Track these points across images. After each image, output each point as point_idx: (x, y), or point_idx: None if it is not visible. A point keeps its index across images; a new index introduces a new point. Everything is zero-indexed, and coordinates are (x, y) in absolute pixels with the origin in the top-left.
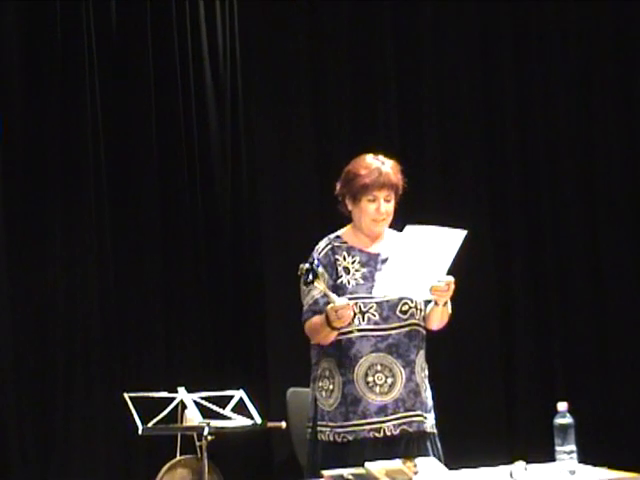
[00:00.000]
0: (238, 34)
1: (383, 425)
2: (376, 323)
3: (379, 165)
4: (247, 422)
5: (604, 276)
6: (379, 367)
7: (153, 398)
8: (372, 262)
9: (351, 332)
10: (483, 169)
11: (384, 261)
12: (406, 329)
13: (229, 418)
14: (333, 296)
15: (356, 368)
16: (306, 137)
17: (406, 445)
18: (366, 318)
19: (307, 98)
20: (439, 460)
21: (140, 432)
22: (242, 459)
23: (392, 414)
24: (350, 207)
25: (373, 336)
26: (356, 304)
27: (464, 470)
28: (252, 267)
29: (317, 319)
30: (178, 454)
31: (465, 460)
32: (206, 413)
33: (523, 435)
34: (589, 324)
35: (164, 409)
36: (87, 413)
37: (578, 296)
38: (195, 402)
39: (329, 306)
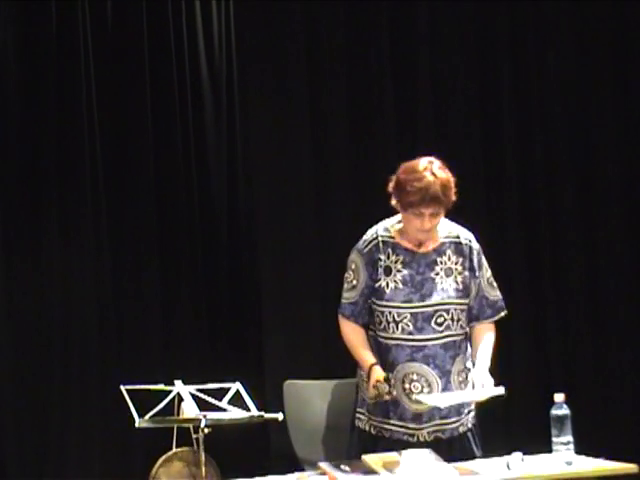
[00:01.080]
0: (234, 28)
1: (417, 432)
2: (410, 333)
3: (430, 181)
4: (244, 414)
5: (600, 269)
6: (415, 376)
7: (150, 391)
8: (415, 264)
9: (387, 338)
10: (480, 169)
11: (428, 265)
12: (442, 341)
13: (226, 410)
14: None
15: (394, 373)
16: (303, 132)
17: (437, 450)
18: (400, 327)
19: (304, 94)
20: (475, 451)
21: (137, 425)
22: (239, 451)
23: (426, 422)
24: (399, 209)
25: (408, 346)
26: (390, 313)
27: (461, 461)
28: (248, 259)
29: (358, 344)
30: (174, 447)
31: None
32: (203, 405)
33: (520, 426)
34: (586, 315)
35: (161, 402)
36: (83, 405)
37: (575, 288)
38: (192, 394)
39: (375, 378)
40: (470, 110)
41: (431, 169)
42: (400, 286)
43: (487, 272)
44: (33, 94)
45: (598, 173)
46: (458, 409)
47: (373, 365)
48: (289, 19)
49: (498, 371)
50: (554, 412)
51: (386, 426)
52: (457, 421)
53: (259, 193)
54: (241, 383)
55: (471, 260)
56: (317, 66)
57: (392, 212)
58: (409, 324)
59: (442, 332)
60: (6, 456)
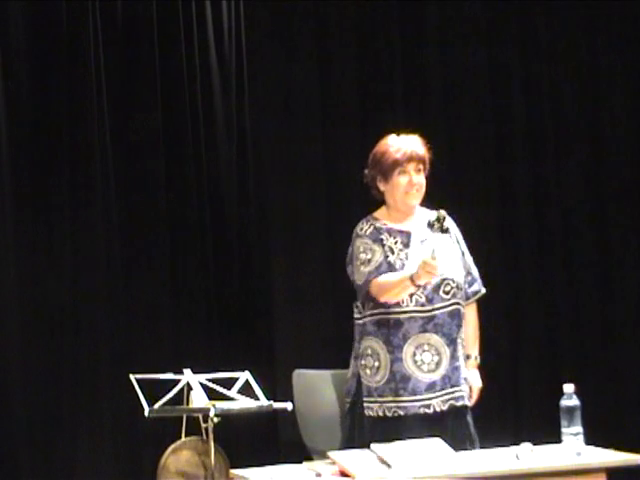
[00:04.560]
0: (243, 17)
1: (432, 402)
2: (422, 305)
3: (404, 140)
4: (253, 404)
5: (611, 258)
6: (426, 347)
7: (159, 380)
8: (412, 243)
9: (399, 313)
10: (491, 162)
11: (423, 241)
12: (449, 308)
13: (235, 400)
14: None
15: (405, 347)
16: (313, 127)
17: (453, 419)
18: (414, 300)
19: (314, 90)
20: (473, 433)
21: (146, 414)
22: (248, 441)
23: (440, 390)
24: (382, 187)
25: (420, 317)
26: None
27: (471, 452)
28: (258, 248)
29: (392, 276)
30: (183, 436)
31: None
32: (212, 395)
33: (529, 417)
34: (596, 306)
35: (170, 391)
36: (93, 395)
37: (585, 279)
38: (201, 384)
39: (423, 260)
40: (480, 104)
41: (400, 136)
42: (406, 262)
43: (466, 247)
44: (44, 87)
45: (609, 159)
46: (464, 377)
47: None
48: (299, 8)
49: (507, 362)
50: (564, 403)
51: (401, 404)
52: (464, 390)
53: (270, 186)
54: (250, 372)
55: (455, 235)
56: (327, 58)
57: None
58: (421, 295)
59: (449, 300)
60: (17, 441)
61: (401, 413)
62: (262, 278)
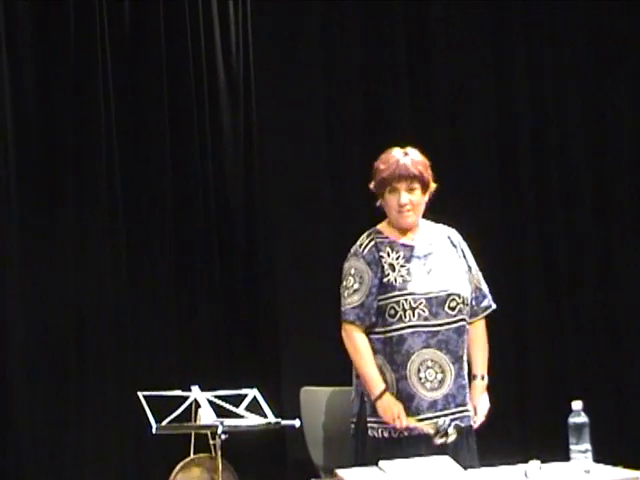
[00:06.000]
0: (251, 28)
1: (437, 420)
2: (426, 319)
3: (399, 157)
4: (261, 421)
5: (617, 274)
6: (430, 363)
7: (167, 397)
8: (415, 257)
9: (402, 328)
10: (495, 168)
11: (426, 256)
12: (455, 325)
13: (243, 417)
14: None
15: (409, 364)
16: (319, 132)
17: (455, 440)
18: (416, 314)
19: (320, 95)
20: (475, 456)
21: (154, 431)
22: (256, 458)
23: (442, 409)
24: (380, 202)
25: (424, 332)
26: (406, 300)
27: (479, 469)
28: (265, 266)
29: (369, 363)
30: (192, 453)
31: (480, 459)
32: (220, 412)
33: (537, 434)
34: (603, 322)
35: (178, 408)
36: (100, 412)
37: (592, 295)
38: (209, 401)
39: (396, 406)
40: (485, 110)
41: (403, 150)
42: (408, 278)
43: (474, 263)
44: (50, 97)
45: (615, 186)
46: (466, 397)
47: (386, 391)
48: (305, 18)
49: (515, 379)
50: (572, 420)
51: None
52: (469, 410)
53: (276, 195)
54: (258, 389)
55: (462, 250)
56: (333, 65)
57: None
58: (425, 310)
59: (455, 316)
60: (23, 457)
61: (405, 434)
62: (269, 295)
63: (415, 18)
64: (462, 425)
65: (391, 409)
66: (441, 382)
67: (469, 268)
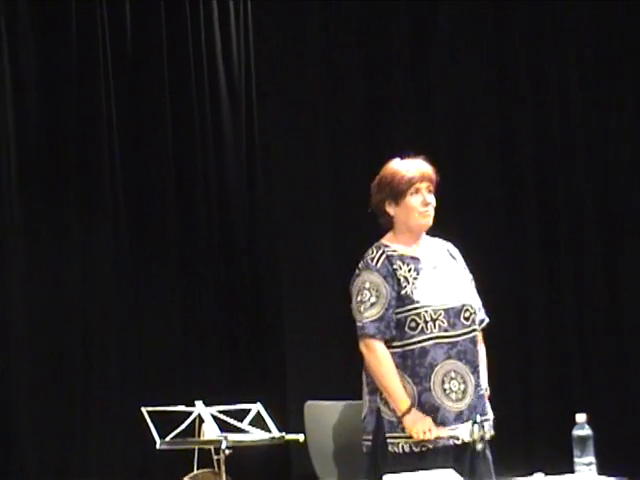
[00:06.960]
0: (252, 36)
1: (459, 432)
2: (445, 330)
3: (413, 162)
4: (265, 435)
5: (622, 284)
6: (453, 374)
7: (170, 412)
8: (425, 269)
9: (424, 340)
10: (498, 177)
11: (435, 267)
12: (470, 335)
13: (247, 432)
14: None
15: (432, 376)
16: (321, 138)
17: (472, 452)
18: (437, 325)
19: (322, 99)
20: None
21: (158, 446)
22: (260, 473)
23: (468, 420)
24: (392, 211)
25: (445, 343)
26: (426, 312)
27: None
28: (270, 279)
29: (394, 378)
30: (196, 468)
31: None
32: (224, 427)
33: (542, 447)
34: (608, 335)
35: (181, 423)
36: (104, 427)
37: (596, 307)
38: (213, 416)
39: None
40: (487, 119)
41: (407, 157)
42: (424, 290)
43: (471, 276)
44: (53, 104)
45: (619, 194)
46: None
47: (412, 407)
48: (306, 23)
49: (519, 391)
50: (576, 433)
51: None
52: (490, 419)
53: (278, 200)
54: (262, 403)
55: (461, 263)
56: (335, 68)
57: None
58: (444, 321)
59: (469, 326)
60: (28, 473)
61: (430, 446)
62: (274, 309)
63: (416, 18)
64: (486, 436)
65: (422, 423)
66: (464, 392)
67: (471, 280)
